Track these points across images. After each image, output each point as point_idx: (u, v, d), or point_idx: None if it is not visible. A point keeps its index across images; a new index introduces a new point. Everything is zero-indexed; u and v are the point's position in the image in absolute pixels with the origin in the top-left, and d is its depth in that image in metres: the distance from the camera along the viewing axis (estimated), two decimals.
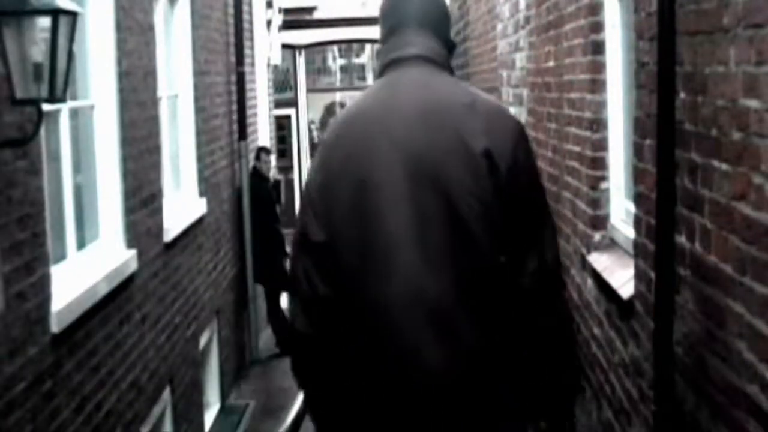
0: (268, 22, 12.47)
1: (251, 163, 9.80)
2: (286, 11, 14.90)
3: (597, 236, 4.36)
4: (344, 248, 2.43)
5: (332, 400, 2.56)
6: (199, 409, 7.18)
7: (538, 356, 2.55)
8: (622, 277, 3.72)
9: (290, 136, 18.67)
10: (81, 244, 4.81)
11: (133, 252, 5.24)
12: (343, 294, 2.45)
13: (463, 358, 2.41)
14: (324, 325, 2.48)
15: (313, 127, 19.26)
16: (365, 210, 2.42)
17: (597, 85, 4.27)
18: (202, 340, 7.42)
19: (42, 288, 3.84)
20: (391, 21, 2.67)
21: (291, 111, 18.55)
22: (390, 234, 2.39)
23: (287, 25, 14.98)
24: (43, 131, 3.87)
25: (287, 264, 10.10)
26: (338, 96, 19.51)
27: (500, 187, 2.40)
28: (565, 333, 2.62)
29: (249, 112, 9.86)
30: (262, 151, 10.13)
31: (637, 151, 3.35)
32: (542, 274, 2.47)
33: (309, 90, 18.97)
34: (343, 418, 2.56)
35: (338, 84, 19.56)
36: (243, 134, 9.40)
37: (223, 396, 8.27)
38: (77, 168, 4.96)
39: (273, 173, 10.74)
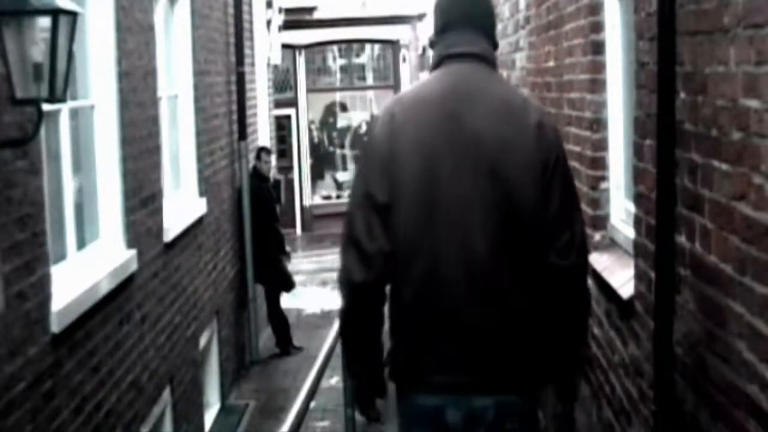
0: (268, 22, 12.47)
1: (251, 163, 9.80)
2: (286, 11, 14.89)
3: (597, 236, 4.36)
4: (406, 211, 2.74)
5: (374, 344, 2.89)
6: (199, 409, 7.18)
7: (556, 327, 2.83)
8: (622, 277, 3.72)
9: (290, 136, 18.67)
10: (81, 244, 4.81)
11: (133, 252, 5.23)
12: (399, 248, 2.75)
13: (504, 312, 2.74)
14: (380, 273, 2.78)
15: (313, 127, 19.25)
16: (428, 183, 2.72)
17: (597, 85, 4.27)
18: (202, 340, 7.42)
19: (42, 288, 3.84)
20: (447, 18, 2.94)
21: (291, 111, 18.54)
22: (448, 206, 2.71)
23: (287, 25, 14.97)
24: (43, 131, 3.87)
25: (287, 263, 10.20)
26: (338, 96, 19.50)
27: (545, 173, 2.73)
28: (586, 309, 2.95)
29: (249, 112, 9.85)
30: (262, 151, 10.13)
31: (637, 151, 3.35)
32: (572, 250, 2.77)
33: (309, 90, 18.95)
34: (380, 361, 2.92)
35: (338, 84, 19.54)
36: (243, 134, 9.40)
37: (223, 396, 8.27)
38: (77, 168, 4.95)
39: (273, 173, 10.73)
